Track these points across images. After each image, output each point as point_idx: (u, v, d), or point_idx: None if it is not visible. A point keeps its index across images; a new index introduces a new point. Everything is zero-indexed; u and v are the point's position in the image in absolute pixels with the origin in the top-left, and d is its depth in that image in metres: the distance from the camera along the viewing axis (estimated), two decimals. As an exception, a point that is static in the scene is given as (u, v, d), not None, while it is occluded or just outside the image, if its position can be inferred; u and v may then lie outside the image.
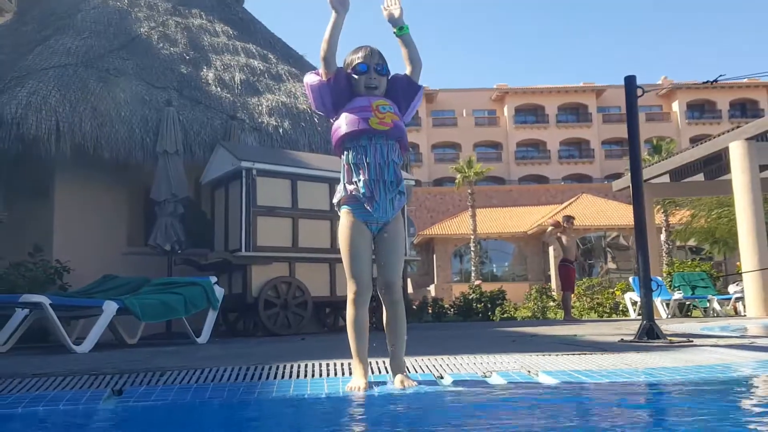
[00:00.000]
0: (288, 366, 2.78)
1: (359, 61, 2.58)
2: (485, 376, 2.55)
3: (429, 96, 49.94)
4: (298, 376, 2.58)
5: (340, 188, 2.58)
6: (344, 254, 2.48)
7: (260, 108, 9.34)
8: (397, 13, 2.59)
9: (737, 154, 11.24)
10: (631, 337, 4.16)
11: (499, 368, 2.69)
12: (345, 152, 2.55)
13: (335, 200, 2.59)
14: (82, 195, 8.35)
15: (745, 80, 52.25)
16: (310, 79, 2.59)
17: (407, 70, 2.63)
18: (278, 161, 7.78)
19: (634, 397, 2.13)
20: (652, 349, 3.41)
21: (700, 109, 51.05)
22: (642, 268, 4.08)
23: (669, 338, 3.99)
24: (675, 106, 50.02)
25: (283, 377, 2.54)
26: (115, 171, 8.25)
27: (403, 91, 2.60)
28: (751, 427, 1.59)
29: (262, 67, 10.31)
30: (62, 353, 4.52)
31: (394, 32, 2.60)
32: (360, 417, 1.89)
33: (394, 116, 2.54)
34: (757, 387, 2.28)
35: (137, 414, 1.96)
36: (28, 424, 1.84)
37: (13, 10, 15.63)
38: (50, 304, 4.57)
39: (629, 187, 14.67)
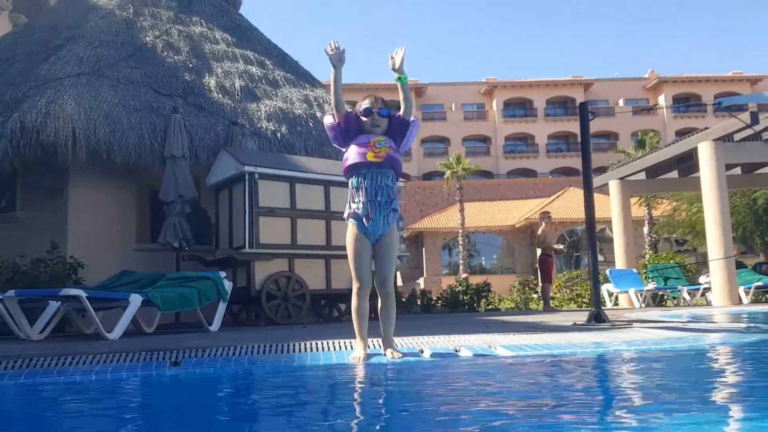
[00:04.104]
0: (300, 344, 3.49)
1: (366, 105, 3.34)
2: (456, 350, 3.28)
3: (418, 90, 50.59)
4: (310, 350, 3.31)
5: (347, 206, 3.28)
6: (350, 258, 3.20)
7: (259, 113, 9.99)
8: (398, 64, 3.32)
9: (705, 153, 12.03)
10: (583, 322, 4.90)
11: (467, 344, 3.41)
12: (351, 178, 3.28)
13: (344, 215, 3.30)
14: (94, 196, 8.98)
15: (729, 74, 53.35)
16: (327, 120, 3.37)
17: (401, 108, 3.37)
18: (278, 165, 8.46)
19: (560, 360, 2.87)
20: (594, 330, 4.15)
21: (686, 102, 52.01)
22: (591, 262, 4.82)
23: (612, 322, 4.74)
24: (661, 100, 50.96)
25: (299, 351, 3.26)
26: (125, 173, 8.90)
27: (398, 126, 3.35)
28: (633, 380, 2.33)
29: (259, 74, 10.96)
30: (96, 339, 5.20)
31: (396, 78, 3.33)
32: (363, 374, 2.63)
33: (388, 150, 3.26)
34: (652, 354, 3.04)
35: (197, 377, 2.66)
36: (120, 384, 2.53)
37: (9, 8, 16.11)
38: (86, 297, 5.25)
39: (607, 184, 15.46)
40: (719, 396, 1.91)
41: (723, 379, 2.25)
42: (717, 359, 2.91)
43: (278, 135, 9.77)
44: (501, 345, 3.32)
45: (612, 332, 3.95)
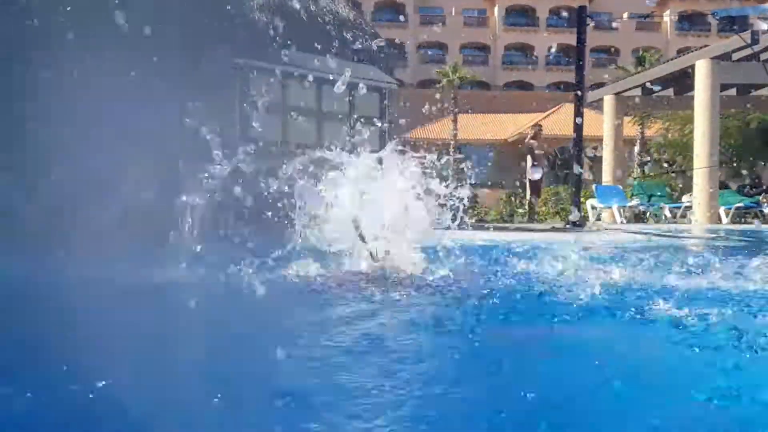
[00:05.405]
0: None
1: None
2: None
3: (418, -10, 48.86)
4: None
5: None
6: None
7: (251, 2, 9.67)
8: None
9: (702, 72, 11.92)
10: (561, 226, 5.10)
11: (451, 237, 3.60)
12: None
13: None
14: None
15: (738, -8, 51.73)
16: None
17: None
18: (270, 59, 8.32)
19: (530, 248, 3.10)
20: (568, 231, 4.36)
21: (690, 20, 50.71)
22: (575, 168, 4.96)
23: (588, 226, 4.95)
24: (666, 16, 49.61)
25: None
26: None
27: None
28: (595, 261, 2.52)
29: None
30: None
31: None
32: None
33: None
34: (602, 246, 3.29)
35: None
36: None
37: None
38: None
39: (602, 99, 15.33)
40: (660, 272, 2.20)
41: (663, 264, 2.54)
42: (662, 252, 3.16)
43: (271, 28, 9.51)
44: (480, 240, 3.49)
45: (585, 234, 4.15)
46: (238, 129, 7.97)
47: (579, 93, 5.08)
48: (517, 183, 17.24)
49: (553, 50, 49.14)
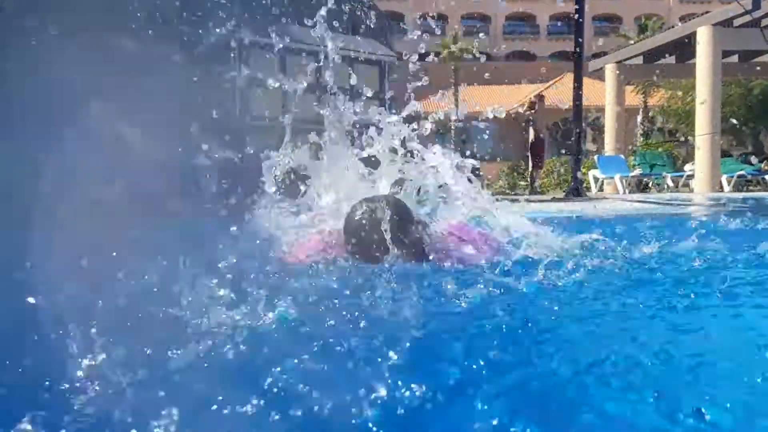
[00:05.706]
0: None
1: None
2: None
3: (416, -40, 48.04)
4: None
5: None
6: None
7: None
8: None
9: (703, 38, 11.80)
10: (561, 197, 5.15)
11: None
12: None
13: None
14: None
15: (744, -43, 50.73)
16: None
17: None
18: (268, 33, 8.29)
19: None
20: (567, 201, 4.40)
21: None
22: (575, 142, 4.97)
23: (587, 195, 4.98)
24: (670, -17, 48.87)
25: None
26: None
27: None
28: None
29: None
30: None
31: None
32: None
33: None
34: (598, 218, 3.36)
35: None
36: None
37: None
38: None
39: (603, 69, 15.17)
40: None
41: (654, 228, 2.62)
42: (658, 219, 3.24)
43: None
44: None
45: (586, 203, 4.18)
46: (238, 105, 7.96)
47: (578, 62, 5.06)
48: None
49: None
